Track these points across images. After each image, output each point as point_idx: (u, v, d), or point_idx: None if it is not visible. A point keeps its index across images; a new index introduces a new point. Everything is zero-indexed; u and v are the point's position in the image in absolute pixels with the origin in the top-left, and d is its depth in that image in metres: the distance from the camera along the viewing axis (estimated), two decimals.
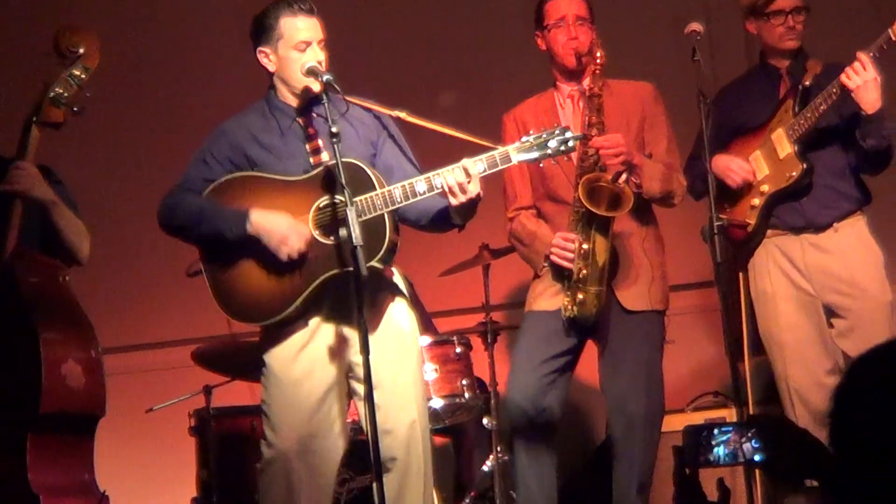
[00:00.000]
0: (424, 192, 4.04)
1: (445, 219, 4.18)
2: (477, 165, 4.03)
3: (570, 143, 4.08)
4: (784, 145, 4.78)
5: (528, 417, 4.69)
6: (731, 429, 2.53)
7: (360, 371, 4.03)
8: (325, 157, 4.18)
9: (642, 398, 4.64)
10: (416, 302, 6.17)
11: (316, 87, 4.13)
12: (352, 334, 4.15)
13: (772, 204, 4.84)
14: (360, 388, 4.10)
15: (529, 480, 4.73)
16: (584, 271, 4.60)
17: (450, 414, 5.64)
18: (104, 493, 4.33)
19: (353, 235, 3.85)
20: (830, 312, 4.82)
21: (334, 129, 3.93)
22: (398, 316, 4.25)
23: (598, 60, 4.68)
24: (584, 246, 4.60)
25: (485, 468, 5.75)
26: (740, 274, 5.09)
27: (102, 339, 4.37)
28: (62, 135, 4.41)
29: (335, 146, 3.93)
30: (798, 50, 4.93)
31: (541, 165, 4.12)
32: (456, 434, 6.03)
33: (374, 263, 4.02)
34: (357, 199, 3.97)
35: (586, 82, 4.75)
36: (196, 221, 4.16)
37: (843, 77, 4.58)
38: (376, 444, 3.86)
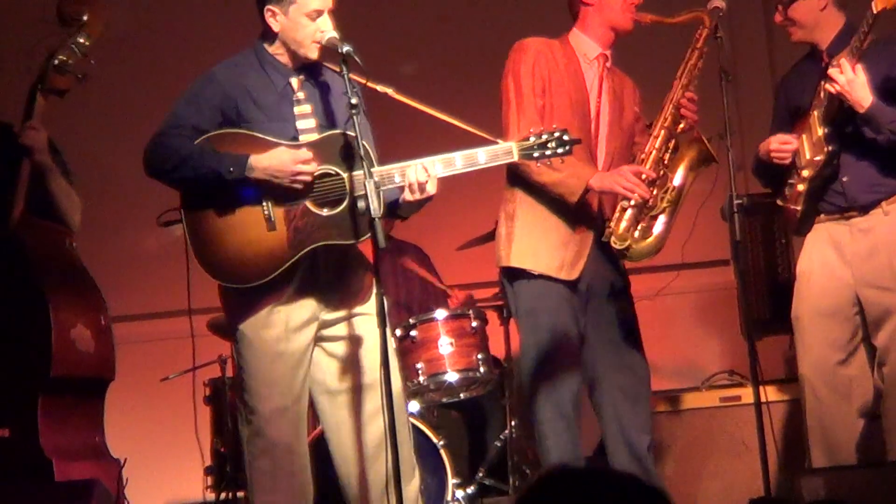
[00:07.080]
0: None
1: (393, 211, 4.21)
2: (479, 156, 4.07)
3: (568, 147, 4.11)
4: (817, 128, 4.64)
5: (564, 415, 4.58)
6: None
7: (326, 342, 4.18)
8: (310, 124, 4.15)
9: (646, 432, 4.58)
10: (432, 274, 6.18)
11: (315, 55, 4.14)
12: (322, 303, 4.18)
13: (816, 188, 4.69)
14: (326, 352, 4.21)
15: (561, 436, 4.59)
16: (663, 204, 4.53)
17: (464, 388, 5.64)
18: (120, 460, 4.36)
19: (372, 207, 3.86)
20: (866, 305, 4.66)
21: (354, 101, 3.93)
22: (371, 288, 4.22)
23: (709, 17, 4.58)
24: (676, 183, 4.54)
25: (498, 443, 5.76)
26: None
27: (118, 307, 4.36)
28: (63, 102, 4.38)
29: (354, 117, 3.93)
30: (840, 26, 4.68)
31: (537, 165, 4.14)
32: (470, 408, 6.03)
33: (355, 241, 4.06)
34: (375, 171, 3.97)
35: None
36: (191, 162, 4.05)
37: (825, 85, 4.50)
38: (392, 415, 3.87)
